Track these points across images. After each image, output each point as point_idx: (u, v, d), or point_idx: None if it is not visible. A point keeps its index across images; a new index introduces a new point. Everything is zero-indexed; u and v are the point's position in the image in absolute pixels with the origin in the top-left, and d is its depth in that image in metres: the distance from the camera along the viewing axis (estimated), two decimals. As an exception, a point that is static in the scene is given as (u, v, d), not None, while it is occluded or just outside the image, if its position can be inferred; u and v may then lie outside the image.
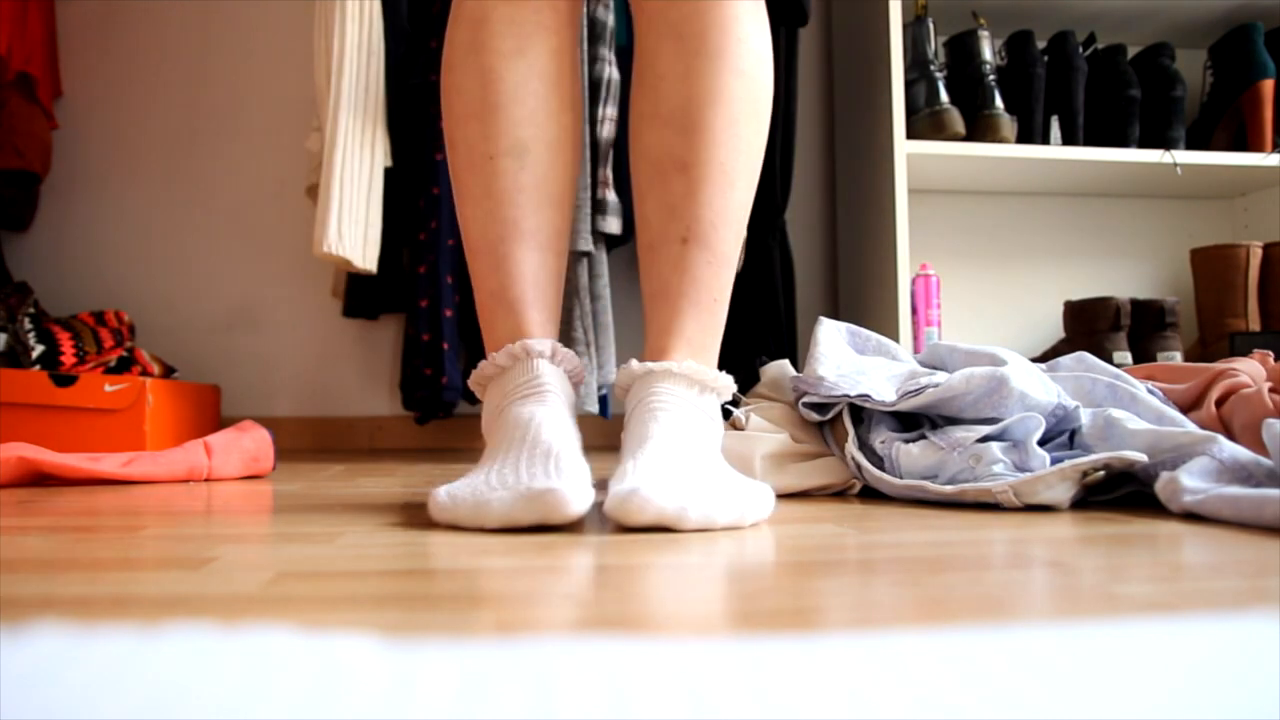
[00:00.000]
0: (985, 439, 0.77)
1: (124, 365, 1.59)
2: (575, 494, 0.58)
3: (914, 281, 1.75)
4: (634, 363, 0.74)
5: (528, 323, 0.76)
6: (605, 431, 1.82)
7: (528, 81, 0.76)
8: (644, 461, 0.64)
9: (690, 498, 0.60)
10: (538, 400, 0.71)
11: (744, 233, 0.78)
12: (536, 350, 0.74)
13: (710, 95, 0.74)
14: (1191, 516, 0.65)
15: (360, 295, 1.86)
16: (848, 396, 0.85)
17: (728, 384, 0.75)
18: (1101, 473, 0.71)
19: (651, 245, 0.77)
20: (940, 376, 0.83)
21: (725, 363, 0.78)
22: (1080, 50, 1.91)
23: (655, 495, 0.58)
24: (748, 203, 0.77)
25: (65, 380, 1.36)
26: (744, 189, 0.76)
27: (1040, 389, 0.80)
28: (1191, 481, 0.66)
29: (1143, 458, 0.71)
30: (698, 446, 0.69)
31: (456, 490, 0.64)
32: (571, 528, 0.61)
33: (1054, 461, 0.73)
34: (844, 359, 0.92)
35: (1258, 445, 0.75)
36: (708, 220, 0.74)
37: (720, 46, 0.74)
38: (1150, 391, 0.84)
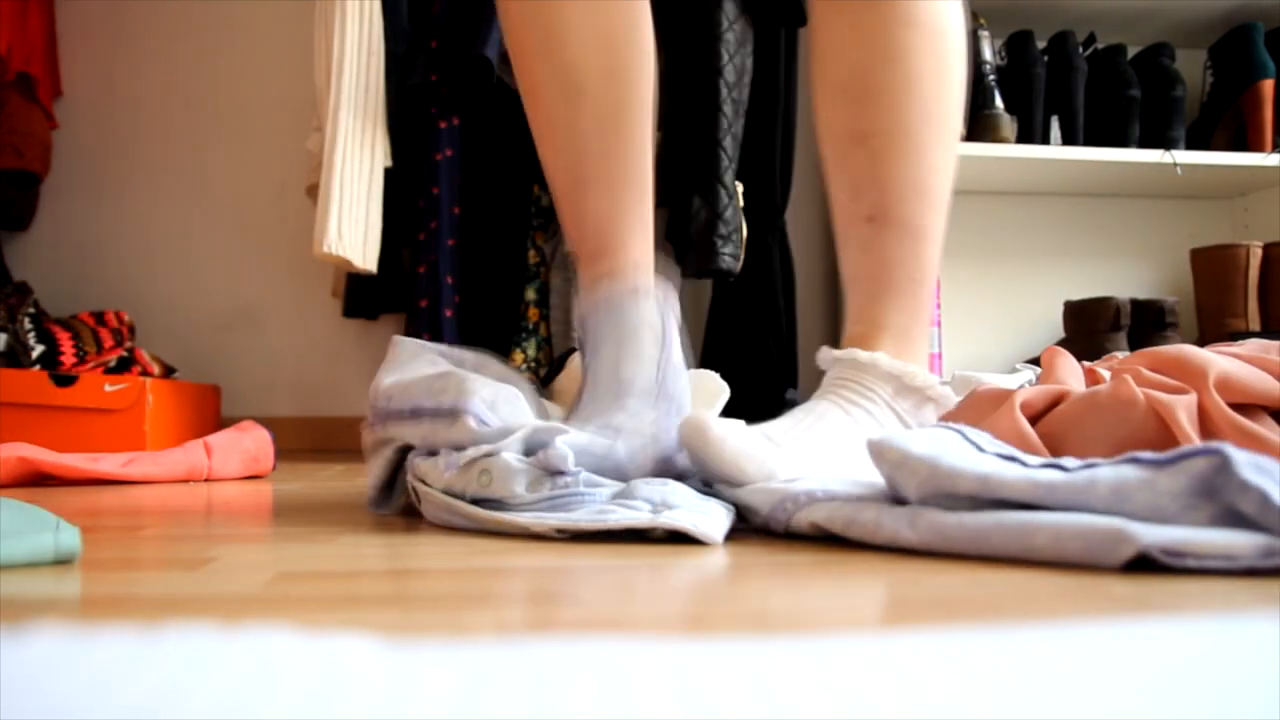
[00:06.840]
0: None
1: (124, 365, 1.59)
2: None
3: (914, 281, 1.75)
4: (824, 349, 0.69)
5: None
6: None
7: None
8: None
9: None
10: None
11: (943, 202, 0.71)
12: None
13: (881, 56, 0.67)
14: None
15: (360, 295, 1.86)
16: None
17: (930, 382, 0.67)
18: None
19: (840, 226, 0.72)
20: None
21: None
22: (1080, 50, 1.91)
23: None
24: (944, 168, 0.70)
25: (65, 380, 1.36)
26: (936, 153, 0.69)
27: None
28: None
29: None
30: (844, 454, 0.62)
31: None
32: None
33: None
34: None
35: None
36: (894, 193, 0.68)
37: (887, 2, 0.67)
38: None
